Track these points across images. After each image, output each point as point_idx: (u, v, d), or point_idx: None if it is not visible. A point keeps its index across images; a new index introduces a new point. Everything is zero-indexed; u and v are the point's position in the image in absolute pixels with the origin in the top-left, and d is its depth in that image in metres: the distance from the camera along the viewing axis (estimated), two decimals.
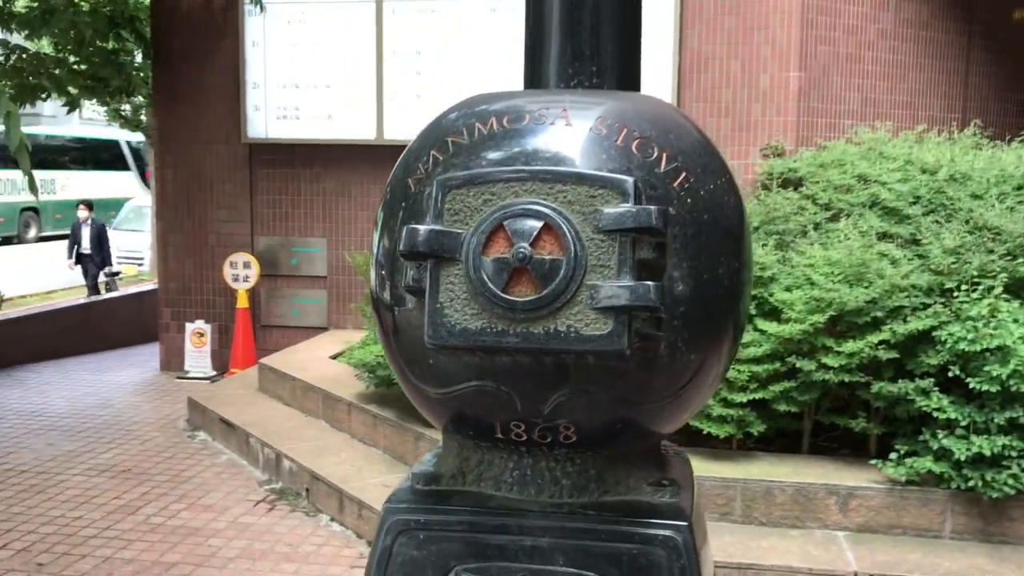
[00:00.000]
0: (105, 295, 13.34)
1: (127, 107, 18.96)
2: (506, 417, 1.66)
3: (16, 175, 24.46)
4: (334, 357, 7.66)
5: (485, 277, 1.53)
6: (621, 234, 1.52)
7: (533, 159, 1.61)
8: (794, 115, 8.13)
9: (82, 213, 14.81)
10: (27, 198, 24.30)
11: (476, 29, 8.49)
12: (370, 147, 8.79)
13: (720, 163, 1.78)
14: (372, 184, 8.96)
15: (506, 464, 1.75)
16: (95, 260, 14.50)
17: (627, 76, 2.03)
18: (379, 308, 1.79)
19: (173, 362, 9.51)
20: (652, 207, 1.52)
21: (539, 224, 1.53)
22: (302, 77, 8.90)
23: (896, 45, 8.68)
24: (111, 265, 14.90)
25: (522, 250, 1.52)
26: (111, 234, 19.11)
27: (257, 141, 9.05)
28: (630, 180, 1.54)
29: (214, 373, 9.17)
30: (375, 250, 1.80)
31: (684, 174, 1.65)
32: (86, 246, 14.54)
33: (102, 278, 14.63)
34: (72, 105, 9.07)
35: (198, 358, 9.21)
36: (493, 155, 1.65)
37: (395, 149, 8.61)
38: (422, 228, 1.56)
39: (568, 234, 1.52)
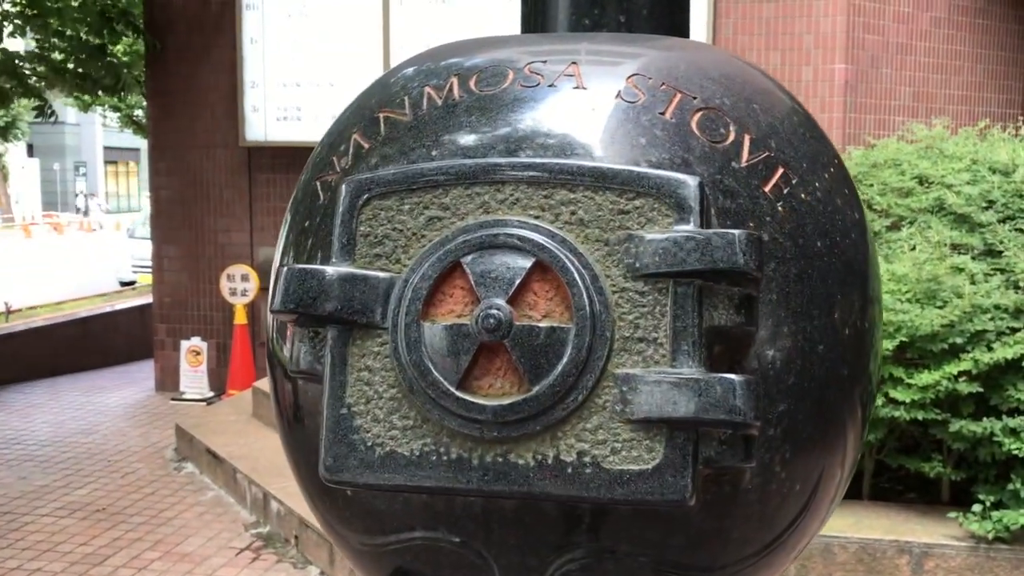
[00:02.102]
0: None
1: (139, 112, 18.48)
2: None
3: None
4: None
5: (428, 360, 0.84)
6: (678, 281, 0.82)
7: (519, 147, 0.92)
8: (840, 111, 7.38)
9: None
10: None
11: (491, 21, 7.82)
12: None
13: (831, 149, 1.09)
14: None
15: None
16: None
17: (670, 30, 1.35)
18: (274, 367, 1.10)
19: (168, 382, 8.89)
20: (734, 231, 0.82)
21: (526, 263, 0.84)
22: (304, 75, 8.26)
23: (951, 34, 7.91)
24: None
25: (495, 311, 0.82)
26: (127, 243, 18.52)
27: (256, 144, 8.42)
28: (692, 181, 0.84)
29: (211, 394, 8.54)
30: (277, 267, 1.12)
31: (781, 170, 0.96)
32: None
33: None
34: (40, 112, 8.48)
35: (194, 378, 8.57)
36: (451, 141, 0.95)
37: None
38: (315, 270, 0.87)
39: (580, 280, 0.83)
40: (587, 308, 0.82)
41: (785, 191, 0.95)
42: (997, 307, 4.15)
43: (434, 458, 0.83)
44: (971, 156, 5.63)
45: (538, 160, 0.87)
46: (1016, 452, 3.92)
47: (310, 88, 8.28)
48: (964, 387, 4.02)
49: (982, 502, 4.03)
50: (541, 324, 0.83)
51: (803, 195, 0.97)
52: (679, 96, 0.97)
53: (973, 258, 4.60)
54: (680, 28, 1.39)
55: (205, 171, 8.72)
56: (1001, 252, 4.55)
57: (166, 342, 8.94)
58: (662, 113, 0.95)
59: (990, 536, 3.96)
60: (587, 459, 0.81)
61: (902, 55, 7.66)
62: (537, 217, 0.85)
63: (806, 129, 1.05)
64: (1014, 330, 4.11)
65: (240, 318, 8.38)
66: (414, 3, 8.02)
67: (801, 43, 7.40)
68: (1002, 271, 4.45)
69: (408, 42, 8.02)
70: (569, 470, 0.81)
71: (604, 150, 0.92)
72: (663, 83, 0.97)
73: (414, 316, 0.84)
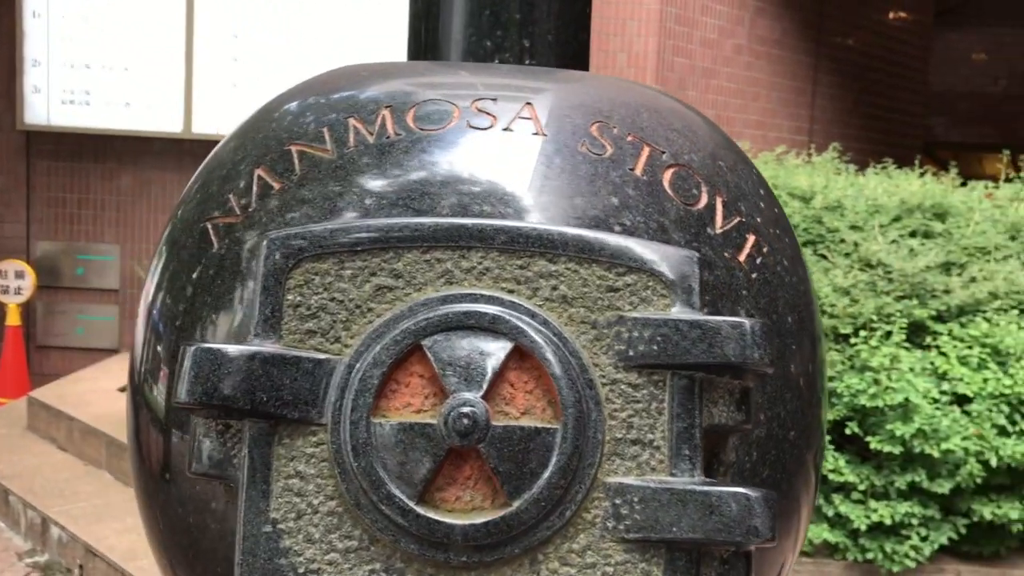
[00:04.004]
0: None
1: None
2: None
3: None
4: (124, 389, 6.45)
5: (379, 467, 0.68)
6: (677, 374, 0.70)
7: (474, 202, 0.77)
8: None
9: None
10: None
11: (304, 11, 7.49)
12: (175, 141, 7.62)
13: (781, 208, 1.01)
14: (176, 184, 7.78)
15: None
16: None
17: (573, 58, 1.25)
18: (139, 409, 0.90)
19: None
20: (746, 320, 0.71)
21: (504, 349, 0.70)
22: (94, 56, 7.60)
23: (750, 62, 8.32)
24: None
25: (468, 410, 0.68)
26: None
27: (37, 128, 7.68)
28: (692, 257, 0.73)
29: None
30: (148, 301, 0.93)
31: (753, 238, 0.86)
32: None
33: None
34: None
35: None
36: (389, 188, 0.79)
37: (205, 145, 7.29)
38: (232, 351, 0.69)
39: (567, 372, 0.69)
40: (576, 405, 0.68)
41: (758, 261, 0.86)
42: None
43: None
44: (772, 181, 5.91)
45: (511, 223, 0.72)
46: None
47: (101, 71, 7.63)
48: None
49: None
50: (521, 424, 0.69)
51: (773, 265, 0.88)
52: (648, 150, 0.85)
53: None
54: (582, 56, 1.29)
55: None
56: None
57: None
58: (632, 169, 0.83)
59: None
60: None
61: (707, 79, 7.98)
62: (512, 292, 0.71)
63: (764, 189, 0.96)
64: None
65: (13, 319, 7.61)
66: None
67: (615, 61, 7.55)
68: None
69: (214, 29, 7.55)
70: None
71: (574, 210, 0.79)
72: (629, 134, 0.86)
73: (363, 412, 0.68)
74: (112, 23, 7.60)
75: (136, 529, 4.85)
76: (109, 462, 5.58)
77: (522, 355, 0.70)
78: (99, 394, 6.44)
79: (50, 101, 7.63)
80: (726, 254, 0.84)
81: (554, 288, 0.72)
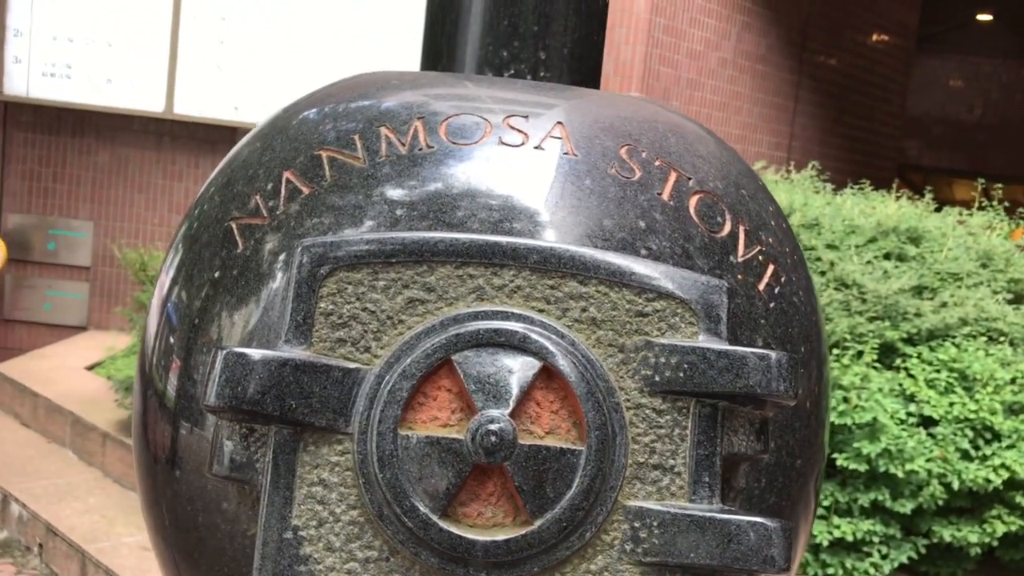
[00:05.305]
0: None
1: None
2: None
3: None
4: (91, 368, 6.40)
5: (404, 479, 0.69)
6: (701, 401, 0.72)
7: (506, 219, 0.78)
8: None
9: None
10: None
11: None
12: (156, 120, 7.54)
13: (795, 239, 1.03)
14: (154, 164, 7.71)
15: None
16: None
17: (587, 72, 1.26)
18: (147, 397, 0.91)
19: None
20: (772, 353, 0.72)
21: (532, 367, 0.70)
22: (78, 30, 7.51)
23: (734, 76, 8.39)
24: None
25: (496, 427, 0.69)
26: None
27: (15, 99, 7.57)
28: (722, 286, 0.74)
29: None
30: (163, 294, 0.93)
31: (772, 267, 0.88)
32: None
33: None
34: None
35: None
36: (421, 200, 0.80)
37: (186, 126, 7.17)
38: (264, 356, 0.69)
39: (593, 395, 0.70)
40: (601, 428, 0.69)
41: (776, 290, 0.87)
42: None
43: None
44: None
45: (545, 243, 0.73)
46: None
47: (84, 45, 7.54)
48: None
49: None
50: (547, 443, 0.70)
51: (790, 295, 0.90)
52: (675, 175, 0.86)
53: None
54: (595, 73, 1.30)
55: None
56: None
57: None
58: (659, 194, 0.84)
59: None
60: None
61: (691, 90, 8.03)
62: (541, 311, 0.72)
63: (782, 219, 0.98)
64: None
65: None
66: None
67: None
68: None
69: (202, 10, 7.48)
70: None
71: (603, 232, 0.80)
72: (657, 158, 0.87)
73: (391, 423, 0.68)
74: None
75: (98, 510, 4.80)
76: (73, 441, 5.53)
77: (549, 375, 0.71)
78: (65, 372, 6.37)
79: (31, 72, 7.52)
80: (747, 282, 0.86)
81: (583, 310, 0.73)
